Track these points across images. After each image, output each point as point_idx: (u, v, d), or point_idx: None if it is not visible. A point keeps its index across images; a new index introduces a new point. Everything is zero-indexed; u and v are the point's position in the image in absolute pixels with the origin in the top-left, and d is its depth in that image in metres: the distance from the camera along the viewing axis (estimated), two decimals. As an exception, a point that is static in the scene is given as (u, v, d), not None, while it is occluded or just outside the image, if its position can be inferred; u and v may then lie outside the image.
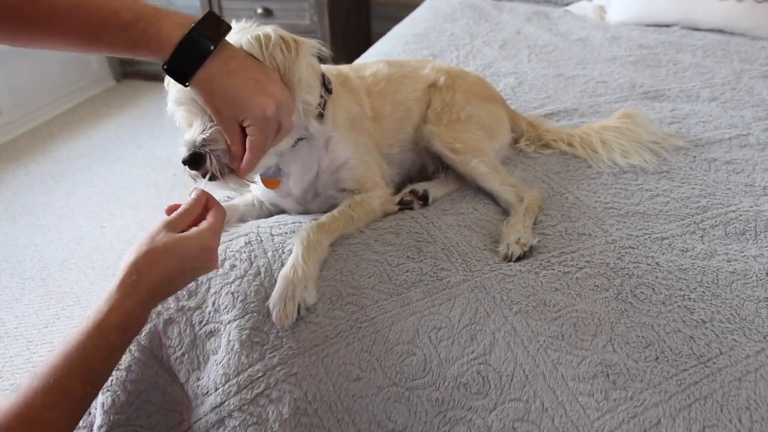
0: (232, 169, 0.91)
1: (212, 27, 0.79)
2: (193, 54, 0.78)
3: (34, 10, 0.75)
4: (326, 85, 1.06)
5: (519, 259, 1.01)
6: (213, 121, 0.90)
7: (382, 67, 1.28)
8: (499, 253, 1.02)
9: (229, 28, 0.83)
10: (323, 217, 1.03)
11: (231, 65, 0.81)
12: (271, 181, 1.05)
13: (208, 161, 0.90)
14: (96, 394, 0.73)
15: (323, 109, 1.04)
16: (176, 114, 0.97)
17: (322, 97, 1.03)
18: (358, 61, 1.75)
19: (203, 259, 0.78)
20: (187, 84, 0.81)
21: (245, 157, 0.87)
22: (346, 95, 1.14)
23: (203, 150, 0.90)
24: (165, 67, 0.79)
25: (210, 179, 0.92)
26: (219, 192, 1.27)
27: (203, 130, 0.91)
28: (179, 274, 0.77)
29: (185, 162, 0.92)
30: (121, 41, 0.77)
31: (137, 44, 0.77)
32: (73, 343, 0.70)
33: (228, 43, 0.83)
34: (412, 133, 1.26)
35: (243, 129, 0.85)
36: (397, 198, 1.16)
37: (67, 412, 0.69)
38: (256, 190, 1.20)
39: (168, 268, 0.75)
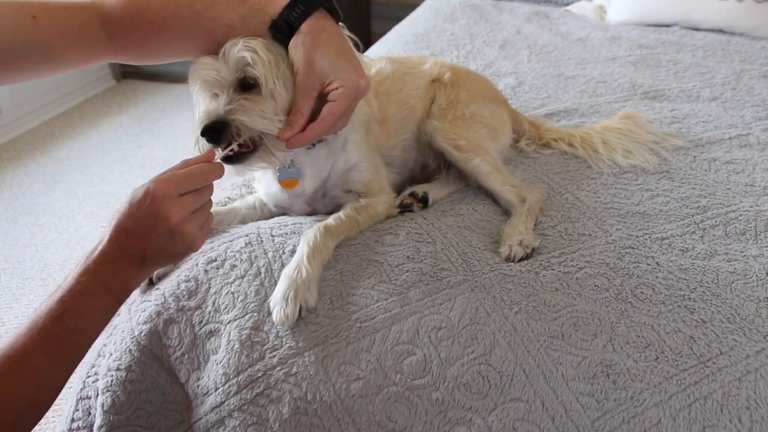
0: (260, 143, 0.89)
1: None
2: (307, 3, 0.85)
3: (163, 18, 0.86)
4: None
5: (521, 260, 1.01)
6: (239, 96, 0.88)
7: (384, 65, 1.27)
8: (501, 254, 1.02)
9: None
10: (330, 220, 1.03)
11: (337, 30, 0.87)
12: (288, 181, 1.05)
13: (230, 131, 0.85)
14: (81, 341, 0.76)
15: None
16: (198, 95, 0.94)
17: None
18: (358, 61, 1.75)
19: (149, 207, 0.76)
20: (288, 38, 0.85)
21: (314, 124, 0.86)
22: None
23: (227, 118, 0.85)
24: (275, 20, 0.85)
25: (227, 160, 0.87)
26: (230, 181, 1.26)
27: (229, 102, 0.87)
28: (134, 221, 0.76)
29: (205, 132, 0.85)
30: (238, 14, 0.86)
31: (254, 11, 0.86)
32: (51, 293, 0.76)
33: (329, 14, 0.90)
34: (414, 131, 1.25)
35: (319, 99, 0.86)
36: (397, 201, 1.16)
37: (45, 353, 0.71)
38: (260, 192, 1.19)
39: (124, 213, 0.77)
